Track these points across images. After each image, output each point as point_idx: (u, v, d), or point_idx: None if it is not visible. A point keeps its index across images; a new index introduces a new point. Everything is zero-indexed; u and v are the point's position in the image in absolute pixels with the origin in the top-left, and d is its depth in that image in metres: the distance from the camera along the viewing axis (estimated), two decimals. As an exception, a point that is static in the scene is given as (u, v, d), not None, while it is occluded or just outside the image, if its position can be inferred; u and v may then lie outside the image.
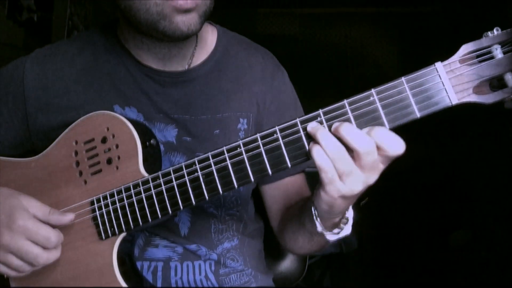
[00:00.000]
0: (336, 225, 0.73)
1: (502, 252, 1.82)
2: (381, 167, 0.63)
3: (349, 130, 0.61)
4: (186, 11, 0.75)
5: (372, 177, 0.63)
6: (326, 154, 0.61)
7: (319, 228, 0.72)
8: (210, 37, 0.94)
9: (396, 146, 0.60)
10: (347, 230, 0.73)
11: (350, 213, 0.73)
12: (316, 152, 0.62)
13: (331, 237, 0.74)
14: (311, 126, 0.64)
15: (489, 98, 0.60)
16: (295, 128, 0.66)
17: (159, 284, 0.88)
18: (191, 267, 0.90)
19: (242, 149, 0.69)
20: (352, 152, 0.61)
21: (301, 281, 1.17)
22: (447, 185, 2.25)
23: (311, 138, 0.65)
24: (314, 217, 0.71)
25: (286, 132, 0.67)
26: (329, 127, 0.64)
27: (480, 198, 2.05)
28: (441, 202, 2.25)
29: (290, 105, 0.97)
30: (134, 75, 0.89)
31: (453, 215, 2.19)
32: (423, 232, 2.25)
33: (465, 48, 0.61)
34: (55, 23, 2.08)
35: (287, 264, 1.16)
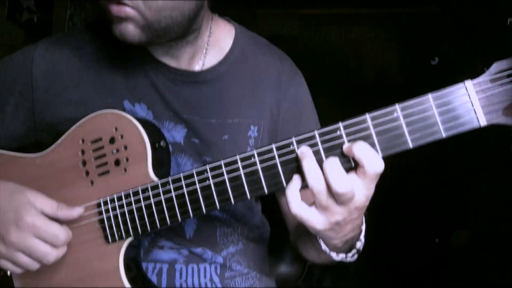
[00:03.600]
0: (341, 249, 0.72)
1: (502, 252, 1.82)
2: (360, 200, 0.62)
3: (331, 166, 0.60)
4: (119, 19, 0.73)
5: (349, 209, 0.62)
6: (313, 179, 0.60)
7: (323, 247, 0.72)
8: (227, 36, 0.90)
9: (374, 164, 0.58)
10: (351, 258, 0.73)
11: (359, 244, 0.72)
12: (290, 194, 0.62)
13: (336, 257, 0.73)
14: (302, 151, 0.62)
15: (519, 120, 0.58)
16: (313, 141, 0.64)
17: (163, 286, 0.87)
18: (196, 270, 0.89)
19: (257, 159, 0.66)
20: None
21: (301, 282, 1.17)
22: (447, 185, 2.23)
23: (328, 153, 0.63)
24: (317, 237, 0.71)
25: (304, 144, 0.64)
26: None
27: (480, 198, 2.04)
28: (441, 202, 2.24)
29: (307, 113, 0.94)
30: (146, 69, 0.86)
31: (453, 215, 2.19)
32: (423, 232, 2.25)
33: (497, 66, 0.58)
34: (55, 24, 2.07)
35: (288, 265, 1.16)
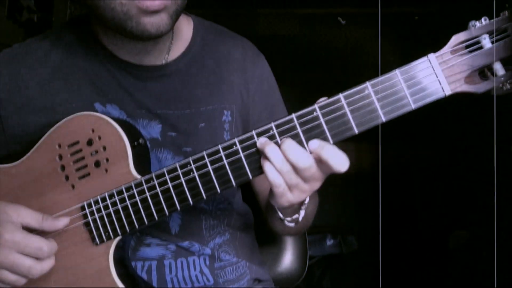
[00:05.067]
0: (297, 211, 0.78)
1: (502, 253, 1.86)
2: (322, 176, 0.68)
3: (289, 146, 0.64)
4: (154, 12, 0.72)
5: (315, 186, 0.68)
6: (276, 169, 0.65)
7: (279, 215, 0.78)
8: (186, 28, 0.91)
9: (341, 164, 0.63)
10: (301, 216, 0.78)
11: (307, 200, 0.77)
12: (268, 168, 0.66)
13: (290, 224, 0.79)
14: (260, 142, 0.67)
15: (480, 87, 0.62)
16: (292, 124, 0.66)
17: (154, 283, 0.87)
18: (186, 264, 0.90)
19: (239, 147, 0.68)
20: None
21: (301, 282, 1.19)
22: (447, 185, 2.27)
23: (307, 135, 0.65)
24: (275, 208, 0.77)
25: (283, 128, 0.66)
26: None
27: (480, 198, 2.09)
28: (441, 202, 2.28)
29: (274, 93, 0.97)
30: (112, 70, 0.86)
31: (452, 215, 2.23)
32: (422, 232, 2.28)
33: (456, 39, 0.62)
34: (55, 23, 2.02)
35: (287, 265, 1.17)
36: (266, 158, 0.65)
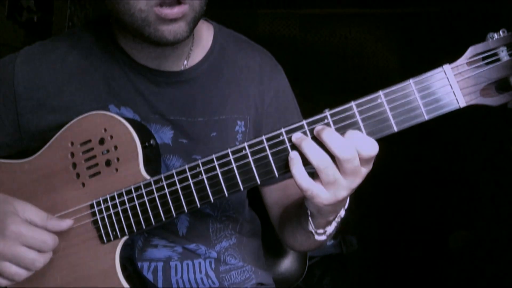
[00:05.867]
0: (329, 224, 0.74)
1: (502, 253, 1.84)
2: (363, 171, 0.63)
3: (331, 136, 0.60)
4: (172, 20, 0.72)
5: (355, 182, 0.63)
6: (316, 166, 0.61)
7: (310, 227, 0.74)
8: (206, 35, 0.91)
9: (370, 148, 0.60)
10: (332, 228, 0.75)
11: (342, 212, 0.73)
12: (297, 172, 0.62)
13: (320, 237, 0.76)
14: (296, 137, 0.63)
15: (495, 100, 0.61)
16: (302, 131, 0.65)
17: (160, 284, 0.87)
18: (191, 266, 0.90)
19: (248, 151, 0.68)
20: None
21: (301, 282, 1.18)
22: (447, 185, 2.25)
23: (317, 141, 0.64)
24: (308, 216, 0.73)
25: (293, 134, 0.66)
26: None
27: (480, 198, 2.07)
28: (441, 203, 2.26)
29: (289, 106, 0.96)
30: (129, 74, 0.86)
31: (453, 216, 2.21)
32: (423, 232, 2.27)
33: (472, 50, 0.61)
34: (55, 23, 2.05)
35: (287, 265, 1.17)
36: (303, 153, 0.62)
